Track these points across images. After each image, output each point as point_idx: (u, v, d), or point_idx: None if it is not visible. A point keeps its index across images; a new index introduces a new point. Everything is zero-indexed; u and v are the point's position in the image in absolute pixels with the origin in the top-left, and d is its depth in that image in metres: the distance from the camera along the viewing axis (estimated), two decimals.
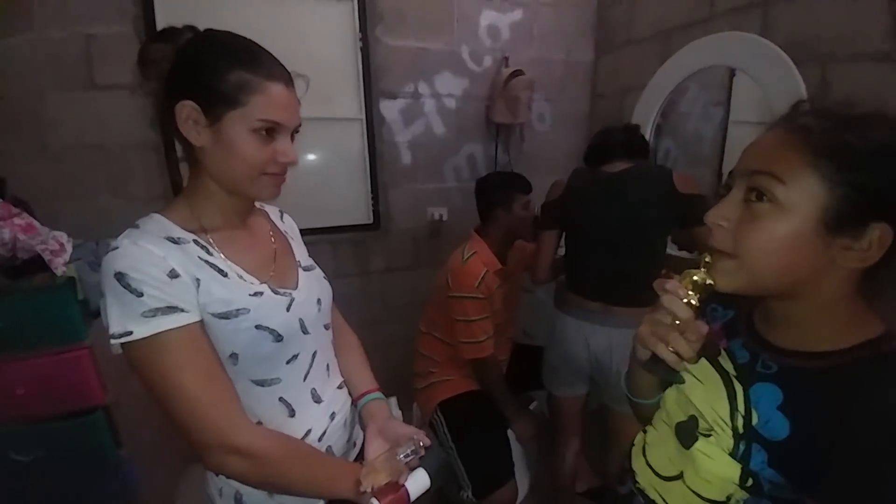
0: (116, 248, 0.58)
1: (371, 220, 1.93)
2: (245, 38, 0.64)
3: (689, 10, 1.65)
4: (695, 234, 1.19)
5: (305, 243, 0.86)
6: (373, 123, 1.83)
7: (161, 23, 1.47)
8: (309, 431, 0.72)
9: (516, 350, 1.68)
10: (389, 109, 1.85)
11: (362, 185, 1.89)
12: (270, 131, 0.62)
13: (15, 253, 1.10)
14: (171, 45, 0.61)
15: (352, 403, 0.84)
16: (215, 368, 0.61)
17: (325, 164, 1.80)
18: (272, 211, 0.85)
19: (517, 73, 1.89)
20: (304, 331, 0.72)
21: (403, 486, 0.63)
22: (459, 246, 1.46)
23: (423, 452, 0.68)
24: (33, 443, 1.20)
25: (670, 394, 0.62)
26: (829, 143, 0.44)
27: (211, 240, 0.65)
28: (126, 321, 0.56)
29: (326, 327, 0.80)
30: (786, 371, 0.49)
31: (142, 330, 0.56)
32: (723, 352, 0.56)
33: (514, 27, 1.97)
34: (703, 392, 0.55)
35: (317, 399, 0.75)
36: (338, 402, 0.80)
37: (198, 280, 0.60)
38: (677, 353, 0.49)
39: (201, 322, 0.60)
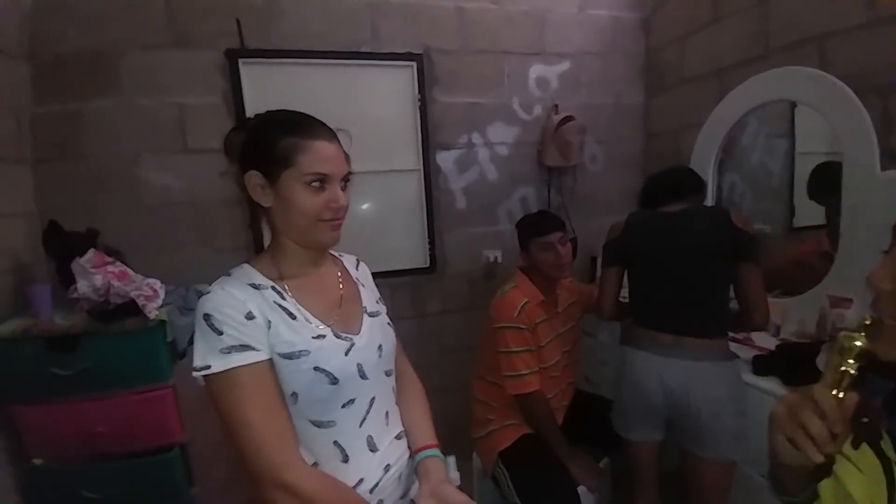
0: (209, 292, 0.67)
1: (427, 264, 1.97)
2: (292, 110, 0.75)
3: (743, 48, 1.66)
4: (744, 272, 1.18)
5: None
6: (429, 173, 1.93)
7: (247, 95, 1.68)
8: (361, 481, 0.72)
9: (579, 399, 1.59)
10: (445, 159, 1.95)
11: (419, 230, 1.96)
12: (321, 183, 0.70)
13: (107, 298, 1.23)
14: (243, 132, 0.74)
15: (410, 457, 0.83)
16: (278, 406, 0.66)
17: (386, 212, 1.90)
18: (349, 260, 0.91)
19: (568, 119, 1.94)
20: (363, 376, 0.74)
21: None
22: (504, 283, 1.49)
23: None
24: (107, 480, 1.25)
25: (827, 486, 0.52)
26: None
27: (286, 286, 0.72)
28: (207, 356, 0.64)
29: (388, 374, 0.81)
30: None
31: (218, 364, 0.63)
32: (884, 435, 0.48)
33: (562, 77, 2.05)
34: (864, 483, 0.48)
35: (372, 447, 0.75)
36: (394, 453, 0.79)
37: (269, 322, 0.67)
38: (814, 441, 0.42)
39: (270, 361, 0.66)
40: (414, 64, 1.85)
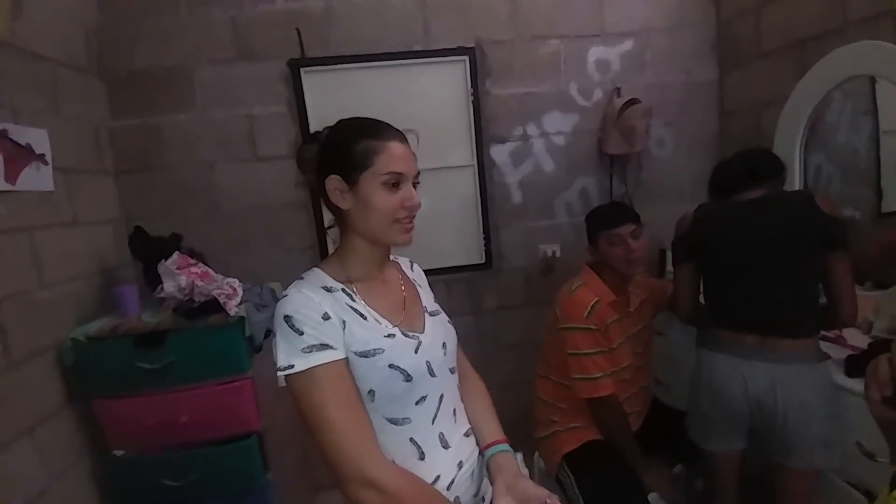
0: (286, 295, 0.71)
1: (483, 260, 1.96)
2: (362, 117, 0.78)
3: (821, 20, 1.49)
4: (832, 263, 1.06)
5: None
6: (484, 168, 1.90)
7: (309, 102, 1.76)
8: (438, 478, 0.74)
9: (655, 409, 1.50)
10: (499, 153, 1.91)
11: (475, 226, 1.95)
12: (396, 183, 0.73)
13: (192, 297, 1.33)
14: (316, 143, 0.77)
15: (479, 454, 0.84)
16: (357, 403, 0.68)
17: (441, 209, 1.91)
18: (404, 262, 0.94)
19: (633, 102, 1.81)
20: (432, 373, 0.76)
21: None
22: (570, 279, 1.41)
23: None
24: (188, 467, 1.34)
25: None
26: None
27: (355, 288, 0.76)
28: (290, 356, 0.67)
29: (452, 371, 0.83)
30: None
31: (301, 363, 0.66)
32: None
33: (624, 57, 1.92)
34: None
35: (444, 444, 0.77)
36: (465, 450, 0.81)
37: (344, 322, 0.70)
38: None
39: (346, 360, 0.69)
40: (466, 58, 1.83)
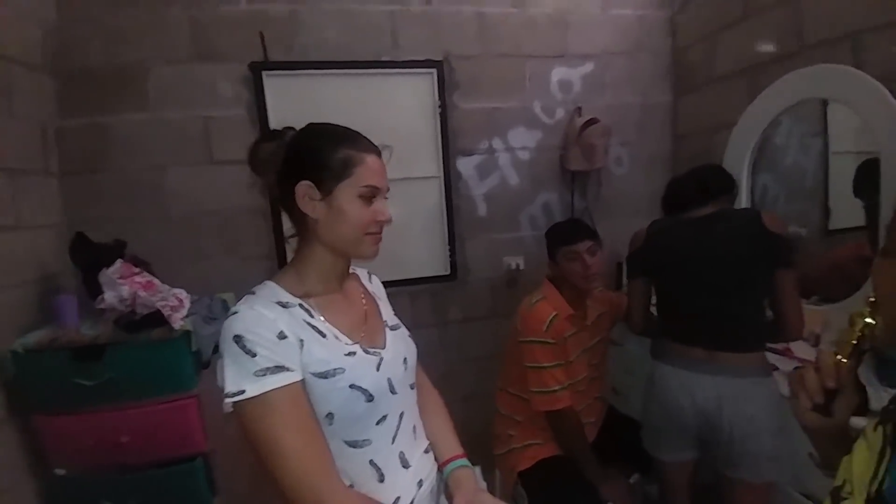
0: (236, 312, 0.65)
1: (448, 271, 1.95)
2: (337, 124, 0.75)
3: (776, 44, 1.58)
4: (778, 278, 1.09)
5: (387, 295, 0.90)
6: (450, 180, 1.91)
7: (271, 106, 1.71)
8: (398, 500, 0.71)
9: (611, 418, 1.53)
10: (466, 165, 1.92)
11: (440, 237, 1.94)
12: (370, 196, 0.71)
13: (134, 308, 1.24)
14: (275, 142, 0.73)
15: (438, 470, 0.82)
16: (314, 428, 0.64)
17: (406, 219, 1.89)
18: (362, 273, 0.91)
19: (592, 122, 1.88)
20: (392, 391, 0.73)
21: None
22: (531, 293, 1.43)
23: None
24: (130, 490, 1.25)
25: (844, 459, 0.56)
26: None
27: (313, 303, 0.71)
28: (241, 380, 0.61)
29: (412, 387, 0.81)
30: None
31: (253, 388, 0.60)
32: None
33: (585, 79, 2.00)
34: (865, 458, 0.51)
35: (405, 464, 0.74)
36: (425, 468, 0.78)
37: (301, 341, 0.65)
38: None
39: (303, 382, 0.64)
40: (434, 70, 1.84)
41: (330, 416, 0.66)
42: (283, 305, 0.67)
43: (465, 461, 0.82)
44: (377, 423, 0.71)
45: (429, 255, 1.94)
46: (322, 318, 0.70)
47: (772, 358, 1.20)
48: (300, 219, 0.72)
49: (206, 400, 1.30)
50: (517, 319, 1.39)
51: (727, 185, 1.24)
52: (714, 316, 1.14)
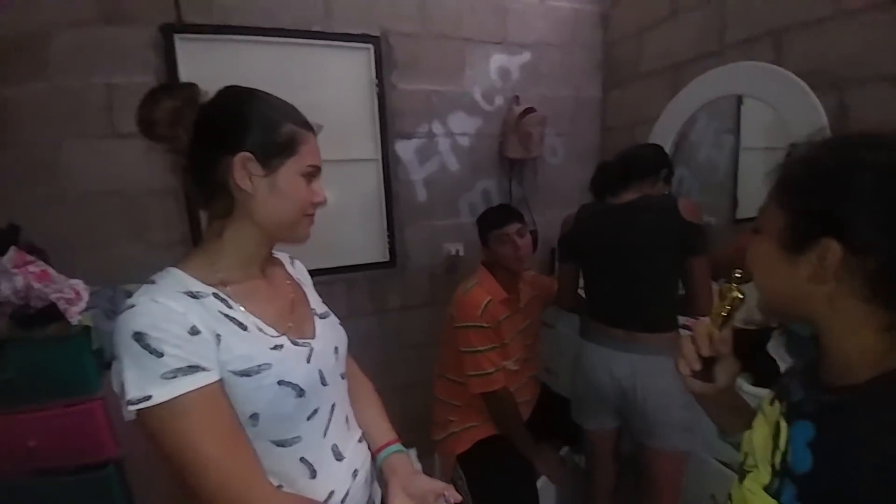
0: (133, 306, 0.55)
1: (387, 258, 1.91)
2: (272, 94, 0.67)
3: (698, 43, 1.69)
4: (691, 264, 1.18)
5: (321, 283, 0.85)
6: (388, 163, 1.85)
7: (184, 74, 1.53)
8: (332, 494, 0.67)
9: (543, 396, 1.61)
10: (405, 149, 1.88)
11: (378, 223, 1.89)
12: (311, 175, 0.67)
13: (28, 301, 1.09)
14: (177, 100, 0.61)
15: (372, 458, 0.80)
16: (237, 431, 0.58)
17: (342, 204, 1.81)
18: (284, 258, 0.84)
19: (529, 111, 1.92)
20: (324, 382, 0.69)
21: None
22: (467, 279, 1.46)
23: None
24: (40, 498, 1.15)
25: (745, 437, 0.61)
26: (784, 177, 0.51)
27: (230, 292, 0.63)
28: (145, 385, 0.53)
29: (342, 377, 0.77)
30: (823, 406, 0.48)
31: (162, 393, 0.53)
32: (787, 392, 0.56)
33: (523, 68, 2.03)
34: (763, 431, 0.56)
35: (338, 456, 0.71)
36: (359, 457, 0.76)
37: (218, 336, 0.58)
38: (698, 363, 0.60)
39: (221, 382, 0.58)
40: (371, 46, 1.75)
41: (255, 416, 0.60)
42: (194, 296, 0.59)
43: (398, 446, 0.80)
44: (308, 419, 0.66)
45: (366, 242, 1.89)
46: (242, 309, 0.63)
47: (685, 334, 1.32)
48: (221, 194, 0.63)
49: (113, 403, 1.17)
50: (453, 306, 1.41)
51: (650, 167, 1.28)
52: (631, 300, 1.23)
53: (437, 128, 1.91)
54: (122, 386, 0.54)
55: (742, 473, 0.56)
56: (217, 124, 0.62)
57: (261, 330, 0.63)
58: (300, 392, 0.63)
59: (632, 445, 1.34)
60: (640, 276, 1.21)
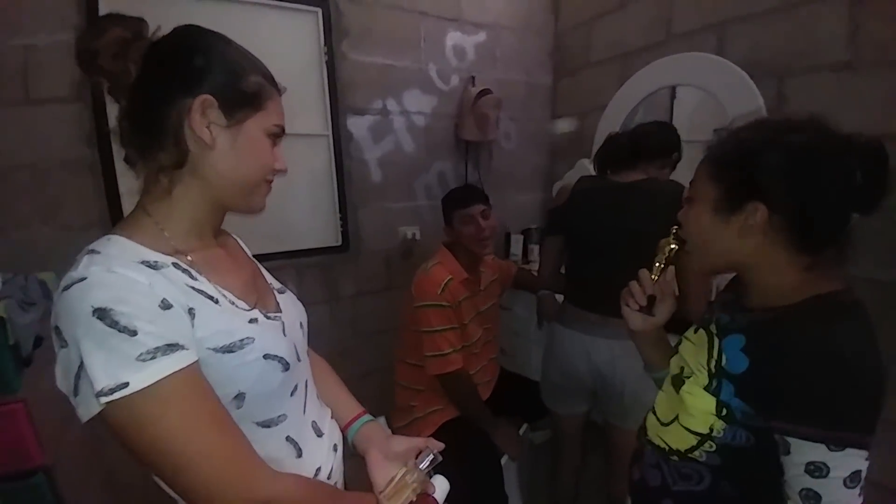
0: (84, 278, 0.45)
1: (340, 242, 1.80)
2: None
3: (646, 34, 1.77)
4: (685, 259, 1.12)
5: (270, 269, 0.79)
6: (339, 140, 1.73)
7: None
8: (318, 470, 0.65)
9: (501, 376, 1.62)
10: (357, 126, 1.76)
11: (329, 204, 1.76)
12: (276, 137, 0.60)
13: None
14: (128, 30, 0.52)
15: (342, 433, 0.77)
16: (226, 416, 0.51)
17: (289, 182, 1.64)
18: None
19: (485, 92, 1.90)
20: (298, 358, 0.65)
21: (432, 496, 0.64)
22: (427, 259, 1.43)
23: (441, 458, 0.68)
24: None
25: (673, 359, 0.75)
26: (713, 153, 0.62)
27: (192, 262, 0.55)
28: (117, 370, 0.44)
29: (308, 353, 0.74)
30: (750, 323, 0.61)
31: (141, 378, 0.44)
32: (713, 320, 0.68)
33: (478, 48, 2.00)
34: (693, 349, 0.69)
35: (318, 432, 0.68)
36: (335, 432, 0.74)
37: (191, 310, 0.50)
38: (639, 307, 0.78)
39: (198, 361, 0.50)
40: (319, 10, 1.61)
41: (240, 397, 0.53)
42: (152, 266, 0.49)
43: (369, 416, 0.78)
44: (291, 395, 0.62)
45: (317, 224, 1.76)
46: (207, 280, 0.55)
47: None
48: (172, 142, 0.53)
49: (37, 404, 1.00)
50: (413, 285, 1.37)
51: (662, 149, 1.20)
52: (614, 287, 1.17)
53: (391, 105, 1.82)
54: (76, 378, 0.44)
55: (679, 382, 0.67)
56: (175, 59, 0.53)
57: (233, 303, 0.57)
58: (286, 365, 0.58)
59: (603, 425, 1.34)
60: (628, 262, 1.10)
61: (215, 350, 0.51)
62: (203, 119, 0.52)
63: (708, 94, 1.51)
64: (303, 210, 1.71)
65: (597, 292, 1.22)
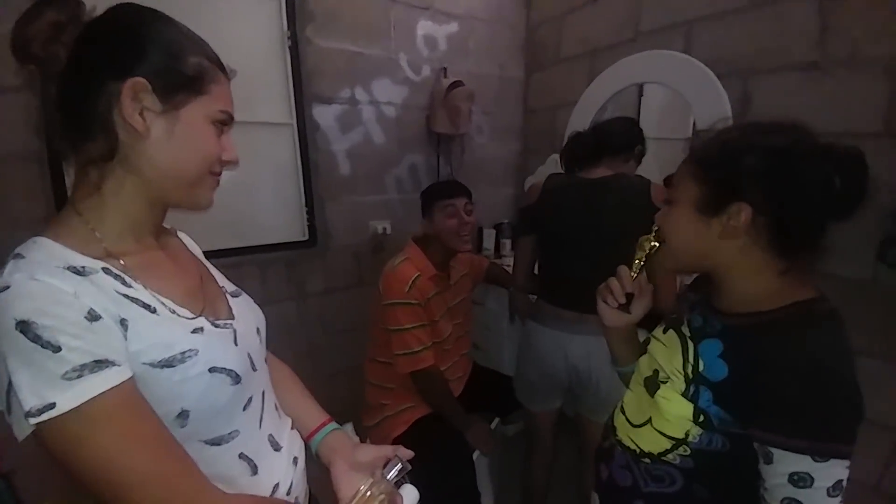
0: (7, 287, 0.41)
1: (306, 237, 1.72)
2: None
3: (615, 31, 1.78)
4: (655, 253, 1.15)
5: (229, 266, 0.73)
6: (305, 129, 1.65)
7: None
8: (276, 487, 0.60)
9: (473, 371, 1.60)
10: (324, 115, 1.69)
11: (295, 197, 1.69)
12: (223, 124, 0.55)
13: None
14: (61, 12, 0.48)
15: (305, 444, 0.73)
16: (167, 435, 0.47)
17: (252, 174, 1.56)
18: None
19: (457, 84, 1.87)
20: (253, 367, 0.60)
21: None
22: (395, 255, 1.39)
23: (409, 467, 0.65)
24: None
25: (643, 359, 0.74)
26: (697, 154, 0.61)
27: (125, 266, 0.50)
28: (43, 389, 0.40)
29: (266, 361, 0.68)
30: (726, 328, 0.60)
31: (67, 398, 0.40)
32: (685, 321, 0.67)
33: (450, 39, 1.96)
34: (666, 352, 0.68)
35: (276, 446, 0.63)
36: (295, 444, 0.69)
37: (123, 321, 0.45)
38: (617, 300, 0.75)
39: (133, 378, 0.45)
40: None
41: (183, 414, 0.48)
42: (79, 272, 0.44)
43: (333, 425, 0.73)
44: (244, 409, 0.57)
45: (282, 219, 1.67)
46: (143, 287, 0.49)
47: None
48: (101, 131, 0.48)
49: None
50: (380, 282, 1.33)
51: (624, 143, 1.21)
52: (589, 284, 1.16)
53: (360, 94, 1.76)
54: (7, 395, 0.41)
55: (654, 385, 0.66)
56: (106, 40, 0.49)
57: (173, 311, 0.51)
58: (236, 378, 0.53)
59: (575, 418, 1.35)
60: (601, 258, 1.11)
61: (152, 365, 0.46)
62: (135, 104, 0.47)
63: (674, 93, 1.54)
64: (267, 203, 1.63)
65: (571, 290, 1.22)
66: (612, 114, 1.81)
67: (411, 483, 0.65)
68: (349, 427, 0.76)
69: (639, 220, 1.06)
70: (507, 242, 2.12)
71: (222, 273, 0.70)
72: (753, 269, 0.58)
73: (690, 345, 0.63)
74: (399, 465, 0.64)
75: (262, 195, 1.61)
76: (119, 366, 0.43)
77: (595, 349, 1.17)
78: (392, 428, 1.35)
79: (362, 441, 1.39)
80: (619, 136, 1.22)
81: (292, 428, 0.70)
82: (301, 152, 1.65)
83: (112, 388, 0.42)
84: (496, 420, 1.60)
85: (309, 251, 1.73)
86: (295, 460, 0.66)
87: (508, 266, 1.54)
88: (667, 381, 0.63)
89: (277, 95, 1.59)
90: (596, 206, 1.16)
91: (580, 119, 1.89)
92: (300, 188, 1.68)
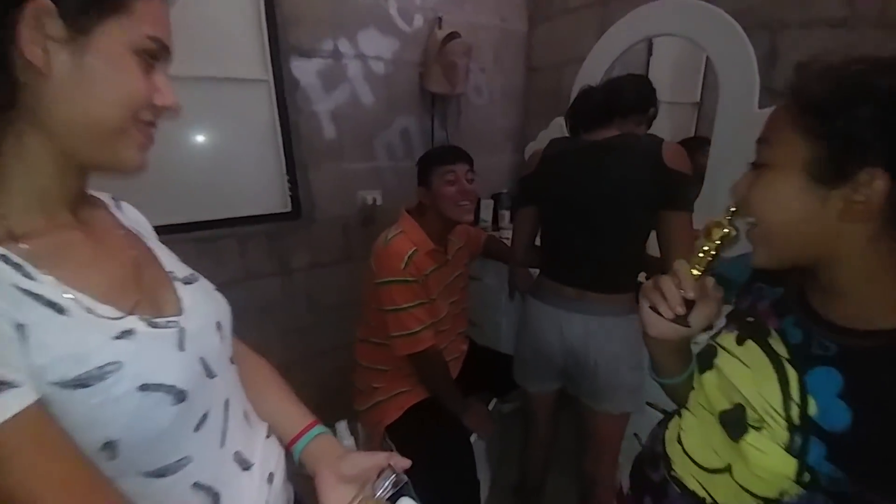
0: None
1: (289, 208, 1.59)
2: None
3: None
4: (669, 220, 1.00)
5: (203, 241, 0.59)
6: (283, 87, 1.48)
7: None
8: None
9: (471, 351, 1.53)
10: (304, 71, 1.51)
11: (275, 164, 1.53)
12: (152, 57, 0.42)
13: None
14: None
15: (287, 450, 0.63)
16: (85, 475, 0.37)
17: (225, 137, 1.41)
18: (104, 198, 0.55)
19: (453, 36, 1.68)
20: (210, 374, 0.48)
21: None
22: (388, 228, 1.26)
23: (405, 479, 0.57)
24: None
25: (710, 378, 0.56)
26: (806, 99, 0.43)
27: (28, 252, 0.38)
28: None
29: (232, 361, 0.56)
30: (847, 352, 0.43)
31: None
32: (773, 332, 0.50)
33: None
34: (751, 378, 0.50)
35: (245, 465, 0.53)
36: (272, 456, 0.59)
37: (21, 328, 0.34)
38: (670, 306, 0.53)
39: (41, 402, 0.35)
40: None
41: (110, 445, 0.38)
42: None
43: (318, 428, 0.63)
44: (196, 429, 0.46)
45: (261, 188, 1.53)
46: (52, 279, 0.38)
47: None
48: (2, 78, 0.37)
49: None
50: (372, 259, 1.22)
51: (638, 103, 1.09)
52: (590, 256, 1.10)
53: (344, 46, 1.57)
54: None
55: (740, 427, 0.49)
56: None
57: (90, 311, 0.39)
58: (179, 396, 0.42)
59: (575, 405, 1.28)
60: (605, 229, 1.07)
61: (62, 385, 0.35)
62: (36, 35, 0.36)
63: (686, 52, 1.39)
64: (243, 170, 1.48)
65: (572, 263, 1.13)
66: (619, 74, 1.67)
67: (410, 497, 0.56)
68: (342, 425, 0.67)
69: (644, 184, 0.99)
70: (506, 214, 2.00)
71: (198, 252, 0.56)
72: (881, 266, 0.42)
73: (792, 373, 0.46)
74: (393, 477, 0.56)
75: (238, 161, 1.46)
76: (18, 387, 0.33)
77: (594, 329, 1.09)
78: (384, 414, 1.28)
79: (355, 434, 1.34)
80: (633, 95, 1.08)
81: (268, 437, 0.60)
82: (279, 113, 1.49)
83: (9, 418, 0.32)
84: (494, 400, 1.55)
85: (292, 223, 1.60)
86: (270, 477, 0.56)
87: (507, 239, 1.43)
88: (760, 428, 0.47)
89: (250, 47, 1.41)
90: (601, 171, 1.04)
91: (588, 79, 1.70)
92: (280, 153, 1.52)
